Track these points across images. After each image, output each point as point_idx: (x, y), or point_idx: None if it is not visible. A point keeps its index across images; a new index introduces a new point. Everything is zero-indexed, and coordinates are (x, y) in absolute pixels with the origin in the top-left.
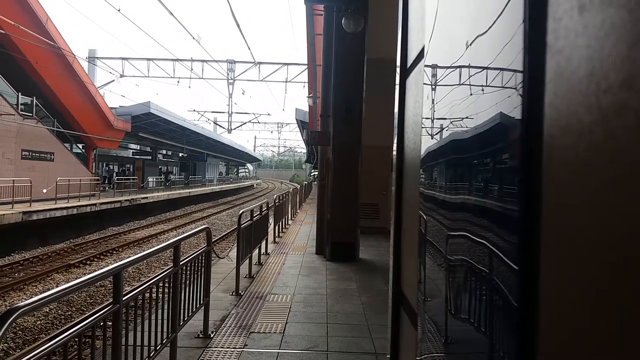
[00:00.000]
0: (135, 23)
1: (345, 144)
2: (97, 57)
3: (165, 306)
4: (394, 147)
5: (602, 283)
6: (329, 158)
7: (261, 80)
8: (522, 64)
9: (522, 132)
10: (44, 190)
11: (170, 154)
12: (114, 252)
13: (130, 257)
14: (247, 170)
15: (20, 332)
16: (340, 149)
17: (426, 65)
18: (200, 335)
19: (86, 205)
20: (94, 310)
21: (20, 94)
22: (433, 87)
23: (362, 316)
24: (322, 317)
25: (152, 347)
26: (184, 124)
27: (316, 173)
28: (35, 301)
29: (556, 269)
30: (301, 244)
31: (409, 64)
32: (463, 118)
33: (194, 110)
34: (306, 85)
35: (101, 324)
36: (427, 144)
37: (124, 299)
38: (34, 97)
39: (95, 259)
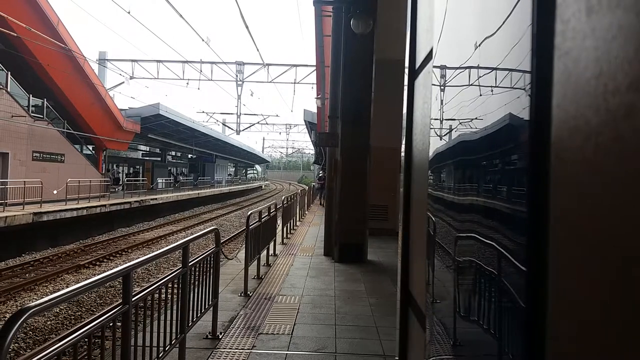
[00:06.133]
0: (145, 25)
1: (354, 145)
2: (107, 59)
3: (174, 307)
4: (403, 148)
5: (610, 284)
6: (338, 159)
7: (270, 82)
8: (530, 65)
9: (530, 134)
10: (55, 192)
11: (179, 155)
12: (124, 253)
13: (139, 258)
14: (255, 172)
15: (30, 332)
16: (349, 150)
17: (435, 66)
18: (209, 336)
19: (96, 207)
20: (104, 311)
21: (31, 95)
22: (441, 88)
23: (370, 318)
24: (331, 319)
25: (161, 348)
26: (193, 126)
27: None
28: (46, 302)
29: (564, 270)
30: (309, 245)
31: (417, 65)
32: (471, 119)
33: (203, 112)
34: (315, 86)
35: (111, 324)
36: (435, 145)
37: (133, 299)
38: (45, 99)
39: (105, 260)
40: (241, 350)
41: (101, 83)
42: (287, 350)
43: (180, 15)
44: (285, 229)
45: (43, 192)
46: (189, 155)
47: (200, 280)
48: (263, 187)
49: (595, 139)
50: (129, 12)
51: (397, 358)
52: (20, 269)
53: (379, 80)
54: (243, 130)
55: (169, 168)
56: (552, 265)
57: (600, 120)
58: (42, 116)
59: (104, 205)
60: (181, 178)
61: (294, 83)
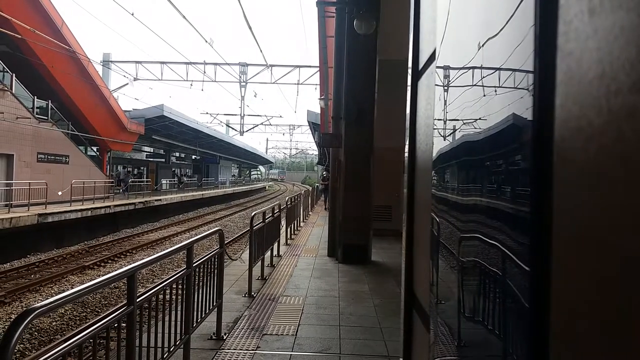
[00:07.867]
0: (149, 27)
1: (357, 146)
2: (111, 61)
3: (179, 308)
4: (406, 149)
5: (614, 285)
6: (341, 160)
7: (273, 83)
8: (532, 66)
9: (533, 134)
10: (59, 193)
11: (183, 156)
12: (128, 254)
13: (144, 259)
14: (259, 173)
15: (36, 333)
16: (352, 151)
17: (438, 67)
18: (213, 337)
19: (100, 208)
20: (109, 312)
21: (36, 97)
22: (445, 88)
23: (374, 319)
24: (335, 320)
25: (166, 349)
26: (196, 127)
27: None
28: (51, 302)
29: (568, 271)
30: (313, 246)
31: (420, 66)
32: (474, 120)
33: (207, 113)
34: (318, 87)
35: (115, 325)
36: (438, 145)
37: (137, 300)
38: (50, 101)
39: (110, 261)
40: (245, 351)
41: (105, 84)
42: (292, 351)
43: (184, 17)
44: (289, 229)
45: (48, 193)
46: (193, 156)
47: (205, 281)
48: (267, 188)
49: (597, 139)
50: (132, 14)
51: (401, 359)
52: (26, 270)
53: (382, 81)
54: (247, 131)
55: (173, 169)
56: (556, 266)
57: (602, 121)
58: (46, 118)
59: (109, 207)
60: (185, 179)
61: (298, 84)
